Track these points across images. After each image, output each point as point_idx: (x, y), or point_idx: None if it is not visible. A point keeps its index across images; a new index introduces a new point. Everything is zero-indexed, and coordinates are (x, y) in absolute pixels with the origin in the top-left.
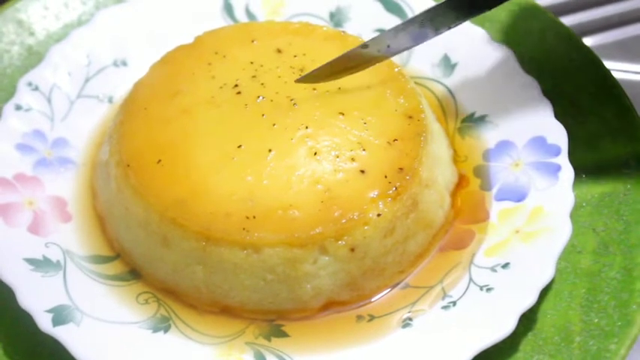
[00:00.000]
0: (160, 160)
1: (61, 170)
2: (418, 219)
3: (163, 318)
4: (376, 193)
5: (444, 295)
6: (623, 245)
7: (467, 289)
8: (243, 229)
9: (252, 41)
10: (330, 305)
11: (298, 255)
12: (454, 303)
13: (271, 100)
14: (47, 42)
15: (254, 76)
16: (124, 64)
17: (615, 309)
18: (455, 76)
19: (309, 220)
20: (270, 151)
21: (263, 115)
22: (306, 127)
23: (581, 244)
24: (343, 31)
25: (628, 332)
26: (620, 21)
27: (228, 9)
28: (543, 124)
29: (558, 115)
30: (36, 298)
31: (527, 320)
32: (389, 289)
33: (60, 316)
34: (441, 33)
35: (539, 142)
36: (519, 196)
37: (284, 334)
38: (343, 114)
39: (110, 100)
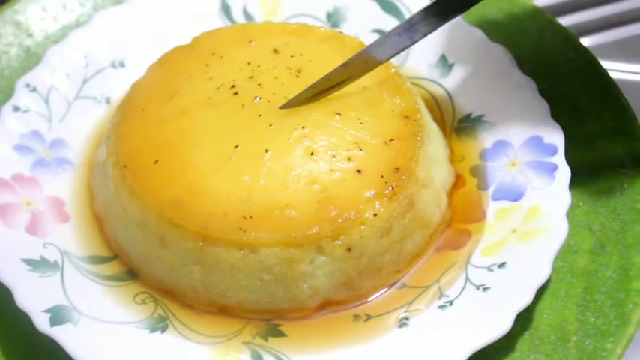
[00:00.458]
0: (157, 161)
1: (58, 171)
2: (415, 219)
3: (160, 318)
4: (373, 193)
5: (441, 295)
6: (619, 245)
7: (463, 289)
8: (240, 229)
9: (250, 42)
10: (327, 305)
11: (295, 255)
12: (451, 302)
13: (268, 101)
14: (45, 43)
15: (251, 77)
16: (122, 65)
17: (611, 308)
18: (452, 77)
19: (305, 220)
20: (266, 151)
21: (260, 115)
22: (303, 128)
23: (577, 244)
24: (340, 32)
25: (624, 331)
26: (618, 21)
27: (226, 10)
28: (540, 123)
29: (555, 115)
30: (34, 298)
31: (524, 319)
32: (385, 289)
33: (57, 316)
34: (417, 41)
35: (535, 142)
36: (516, 196)
37: (281, 334)
38: (340, 114)
39: (108, 101)
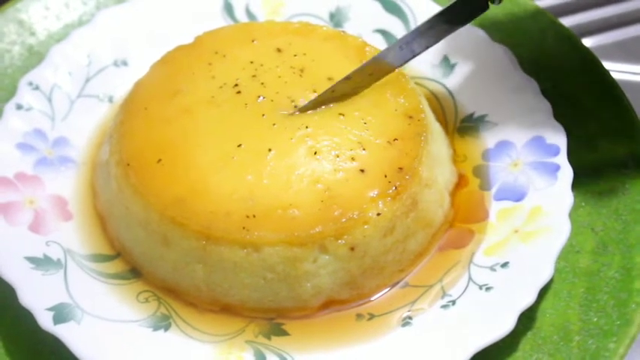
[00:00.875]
0: (160, 160)
1: (61, 169)
2: (418, 218)
3: (163, 316)
4: (376, 192)
5: (444, 294)
6: (621, 245)
7: (466, 288)
8: (243, 228)
9: (253, 41)
10: (330, 304)
11: (298, 254)
12: (453, 302)
13: (271, 100)
14: (48, 42)
15: (254, 76)
16: (125, 64)
17: (614, 308)
18: (454, 77)
19: (309, 219)
20: (270, 150)
21: (263, 114)
22: (306, 127)
23: (579, 244)
24: (343, 31)
25: (627, 331)
26: (620, 22)
27: (229, 9)
28: (542, 124)
29: (557, 116)
30: (37, 297)
31: (527, 319)
32: (388, 288)
33: (61, 314)
34: (421, 52)
35: (538, 142)
36: (518, 196)
37: (284, 333)
38: (343, 114)
39: (110, 100)
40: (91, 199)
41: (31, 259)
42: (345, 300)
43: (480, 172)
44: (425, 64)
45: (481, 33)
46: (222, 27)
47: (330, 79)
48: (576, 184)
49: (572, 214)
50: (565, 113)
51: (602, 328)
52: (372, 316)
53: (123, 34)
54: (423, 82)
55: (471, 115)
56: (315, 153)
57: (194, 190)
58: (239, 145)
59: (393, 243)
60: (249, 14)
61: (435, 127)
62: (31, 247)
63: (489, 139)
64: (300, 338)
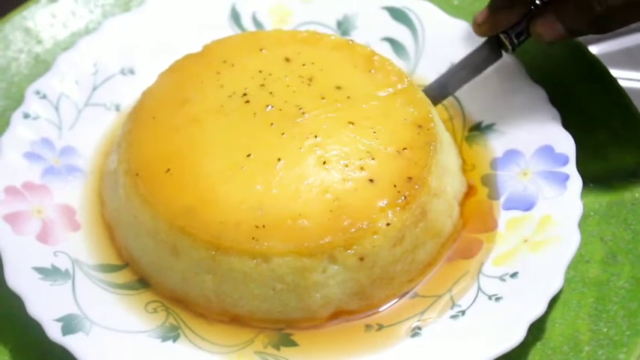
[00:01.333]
0: (168, 169)
1: (69, 178)
2: (427, 228)
3: (172, 327)
4: (385, 202)
5: (453, 305)
6: (631, 255)
7: (475, 299)
8: (253, 238)
9: (261, 50)
10: (339, 314)
11: (307, 264)
12: (463, 312)
13: (280, 109)
14: (55, 50)
15: (262, 85)
16: (132, 72)
17: (624, 318)
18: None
19: (318, 230)
20: (279, 160)
21: (272, 124)
22: (315, 137)
23: (589, 254)
24: (351, 40)
25: (637, 342)
26: (626, 29)
27: (236, 17)
28: (551, 133)
29: (566, 124)
30: (45, 307)
31: (536, 329)
32: (397, 299)
33: (69, 325)
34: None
35: (547, 151)
36: (527, 205)
37: (293, 343)
38: (353, 123)
39: (117, 109)
40: (99, 208)
41: (39, 270)
42: (354, 310)
43: (489, 181)
44: (432, 73)
45: None
46: (230, 36)
47: (338, 87)
48: (585, 194)
49: (582, 224)
50: (574, 122)
51: (612, 338)
52: (380, 327)
53: (130, 42)
54: None
55: (479, 123)
56: (325, 162)
57: (203, 200)
58: (248, 155)
59: (402, 253)
60: (257, 23)
61: (445, 137)
62: (39, 257)
63: (498, 147)
64: (309, 349)
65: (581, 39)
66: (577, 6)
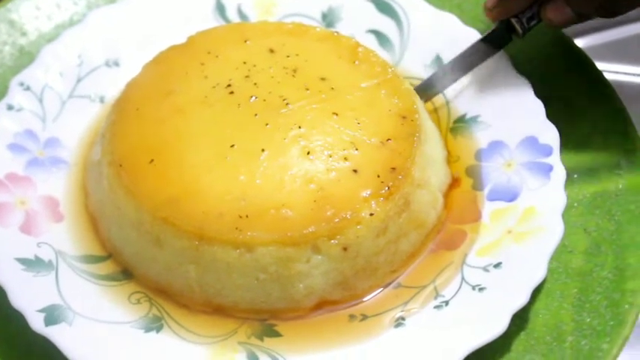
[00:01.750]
0: (152, 160)
1: (53, 170)
2: (410, 219)
3: (155, 318)
4: (369, 192)
5: (437, 295)
6: (614, 245)
7: (459, 289)
8: (236, 228)
9: (245, 41)
10: (323, 305)
11: (291, 254)
12: (446, 302)
13: (264, 100)
14: (39, 42)
15: (247, 76)
16: (116, 64)
17: (607, 309)
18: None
19: (301, 220)
20: (262, 150)
21: (256, 114)
22: (299, 127)
23: (572, 244)
24: (336, 32)
25: (620, 332)
26: (612, 22)
27: (220, 9)
28: (535, 124)
29: (550, 116)
30: (28, 298)
31: (520, 320)
32: (381, 289)
33: (52, 315)
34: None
35: (531, 142)
36: (511, 196)
37: (277, 334)
38: (337, 114)
39: (102, 100)
40: (83, 200)
41: (22, 261)
42: (338, 300)
43: (473, 173)
44: (417, 65)
45: (474, 33)
46: (215, 27)
47: (322, 79)
48: (569, 185)
49: (565, 215)
50: (558, 113)
51: (596, 328)
52: (364, 317)
53: (114, 34)
54: (416, 83)
55: (464, 115)
56: (308, 153)
57: (187, 191)
58: (232, 146)
59: (385, 243)
60: (241, 14)
61: (429, 128)
62: (22, 248)
63: (482, 139)
64: (293, 339)
65: (567, 31)
66: None
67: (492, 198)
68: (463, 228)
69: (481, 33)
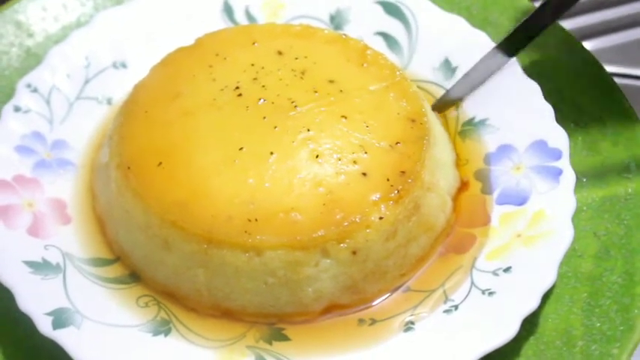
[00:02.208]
0: (160, 163)
1: (60, 172)
2: (420, 222)
3: (164, 321)
4: (378, 196)
5: (446, 299)
6: (624, 249)
7: (469, 293)
8: (245, 232)
9: (253, 43)
10: (332, 309)
11: (300, 258)
12: (456, 307)
13: (272, 103)
14: (46, 43)
15: (255, 79)
16: (124, 65)
17: (617, 313)
18: (455, 80)
19: (310, 223)
20: (271, 153)
21: (264, 117)
22: (308, 130)
23: (582, 249)
24: (344, 34)
25: (630, 337)
26: (620, 25)
27: (228, 11)
28: (544, 127)
29: (559, 119)
30: (36, 301)
31: (529, 324)
32: (390, 293)
33: (60, 319)
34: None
35: (540, 146)
36: (521, 200)
37: (285, 338)
38: (346, 117)
39: (109, 102)
40: (90, 202)
41: (30, 264)
42: (347, 305)
43: (482, 176)
44: (426, 68)
45: (483, 36)
46: (222, 29)
47: (331, 81)
48: (578, 189)
49: (575, 219)
50: (567, 117)
51: (605, 333)
52: (373, 321)
53: (121, 35)
54: (425, 86)
55: (473, 118)
56: (317, 156)
57: (195, 194)
58: (240, 149)
59: (394, 247)
60: (249, 16)
61: (438, 131)
62: (29, 250)
63: (491, 142)
64: (302, 343)
65: (575, 34)
66: None
67: (501, 202)
68: (472, 232)
69: (490, 36)
